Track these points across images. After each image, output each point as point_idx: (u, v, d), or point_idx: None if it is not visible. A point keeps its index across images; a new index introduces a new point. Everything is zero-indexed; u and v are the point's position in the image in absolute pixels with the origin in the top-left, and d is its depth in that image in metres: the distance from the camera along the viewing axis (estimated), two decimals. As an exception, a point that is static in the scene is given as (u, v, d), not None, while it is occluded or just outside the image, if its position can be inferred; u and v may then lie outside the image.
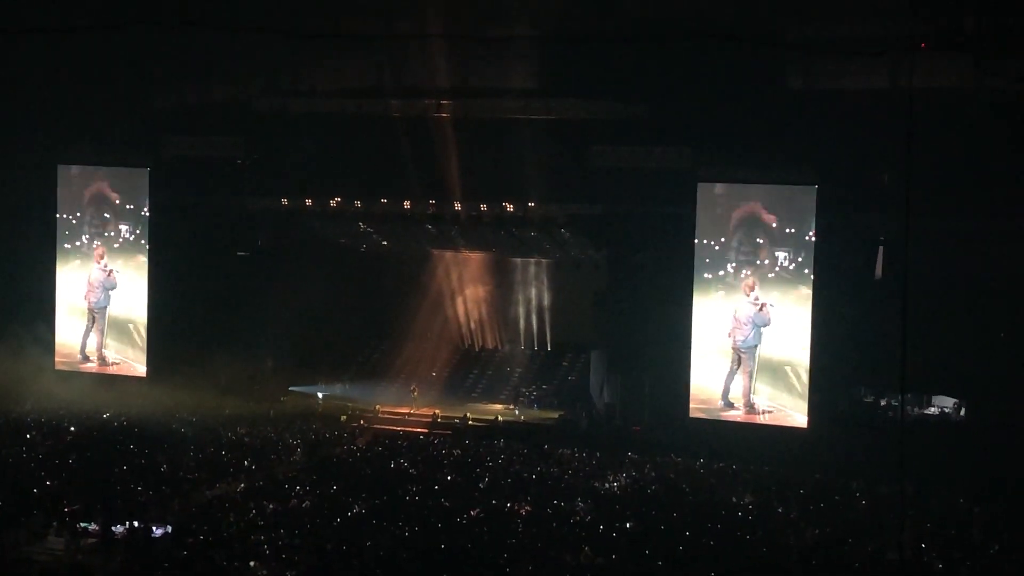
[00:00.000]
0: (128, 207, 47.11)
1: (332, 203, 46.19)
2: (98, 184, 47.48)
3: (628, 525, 29.60)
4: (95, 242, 47.31)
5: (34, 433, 38.42)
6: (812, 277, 39.07)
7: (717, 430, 39.83)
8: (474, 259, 51.55)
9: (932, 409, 41.62)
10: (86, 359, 47.62)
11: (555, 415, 45.51)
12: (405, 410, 45.41)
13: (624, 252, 43.97)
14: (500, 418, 44.91)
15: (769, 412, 39.53)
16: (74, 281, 47.74)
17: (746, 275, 39.81)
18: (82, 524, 28.42)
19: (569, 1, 43.92)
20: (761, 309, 39.45)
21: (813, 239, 39.09)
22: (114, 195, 47.27)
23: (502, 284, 51.91)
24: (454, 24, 43.57)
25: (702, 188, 40.46)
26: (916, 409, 41.43)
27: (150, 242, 46.73)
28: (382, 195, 45.61)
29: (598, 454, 38.63)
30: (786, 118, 39.78)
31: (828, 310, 39.10)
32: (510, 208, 44.11)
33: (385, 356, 52.46)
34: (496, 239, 47.82)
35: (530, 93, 44.43)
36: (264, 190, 46.80)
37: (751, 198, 39.84)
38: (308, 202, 46.46)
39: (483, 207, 44.46)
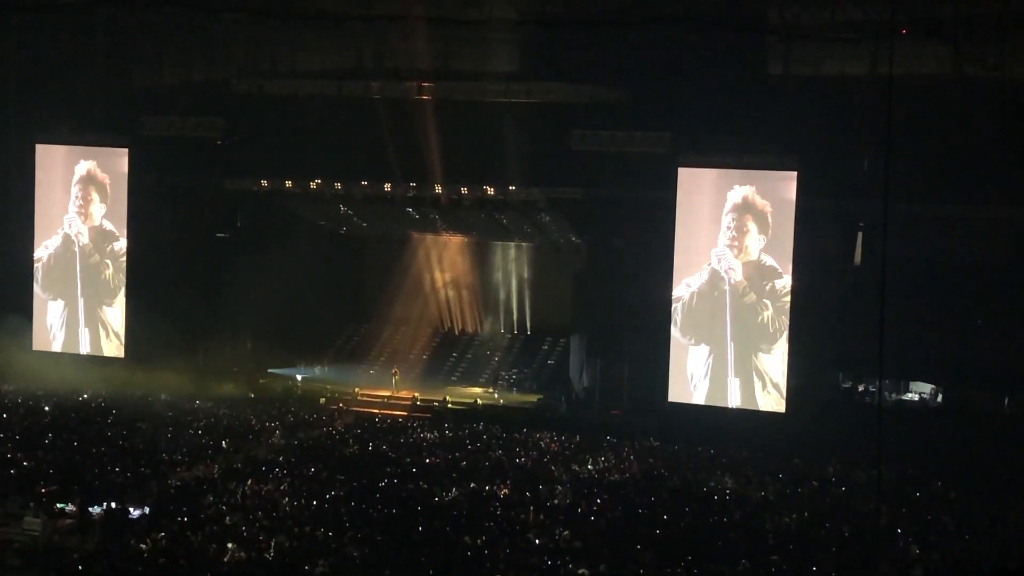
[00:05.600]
0: (107, 187, 46.87)
1: (312, 185, 46.03)
2: (77, 164, 47.19)
3: (606, 508, 29.68)
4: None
5: (10, 414, 38.25)
6: (791, 262, 39.12)
7: (695, 415, 39.89)
8: (454, 242, 51.52)
9: (910, 395, 41.77)
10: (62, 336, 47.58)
11: (534, 399, 45.57)
12: (384, 393, 45.37)
13: (604, 236, 44.02)
14: (479, 401, 44.92)
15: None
16: (52, 261, 47.61)
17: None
18: (59, 505, 28.39)
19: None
20: None
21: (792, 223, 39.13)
22: (93, 175, 47.00)
23: (482, 267, 51.87)
24: (435, 6, 43.53)
25: (687, 172, 40.45)
26: (894, 395, 41.56)
27: (129, 222, 46.49)
28: (362, 177, 45.48)
29: (577, 438, 38.67)
30: (767, 104, 39.87)
31: (807, 295, 39.18)
32: (490, 191, 44.05)
33: (364, 339, 52.46)
34: (476, 222, 47.80)
35: (511, 76, 44.38)
36: (244, 171, 46.59)
37: (742, 183, 39.71)
38: (288, 183, 46.27)
39: (463, 190, 44.37)
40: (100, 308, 47.12)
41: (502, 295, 51.82)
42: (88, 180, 46.99)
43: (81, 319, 47.36)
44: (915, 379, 41.49)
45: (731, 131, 39.78)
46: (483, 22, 43.70)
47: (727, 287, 39.72)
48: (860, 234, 40.54)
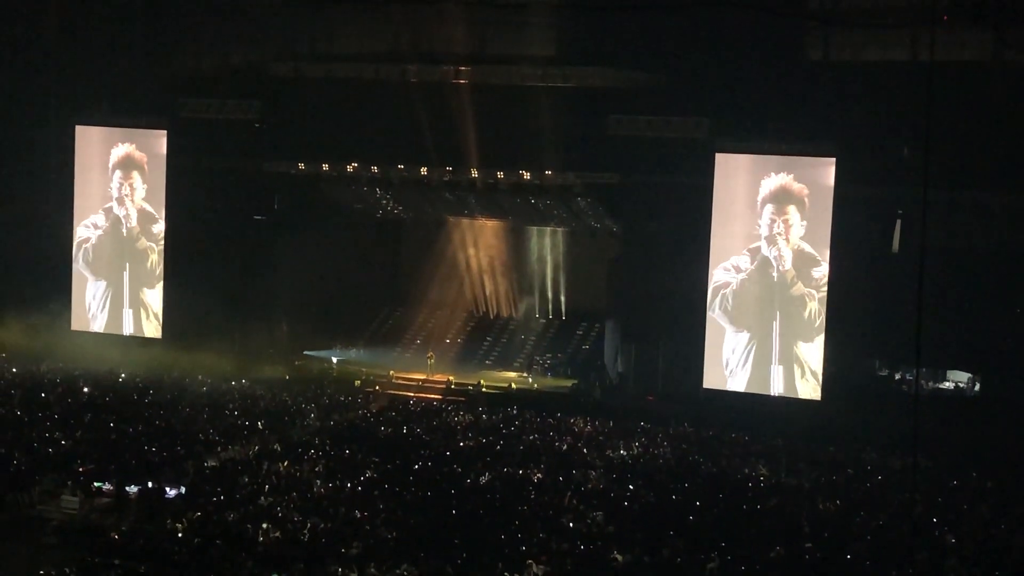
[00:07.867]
0: (145, 168, 47.19)
1: (349, 168, 46.22)
2: (117, 146, 47.52)
3: (640, 494, 29.66)
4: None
5: (49, 393, 38.61)
6: (828, 249, 38.94)
7: (730, 401, 39.81)
8: (490, 226, 51.48)
9: (947, 383, 41.52)
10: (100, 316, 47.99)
11: (568, 383, 45.56)
12: (419, 376, 45.49)
13: (640, 221, 43.83)
14: (514, 385, 44.96)
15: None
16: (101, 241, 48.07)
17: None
18: (96, 484, 28.65)
19: (588, -31, 43.69)
20: None
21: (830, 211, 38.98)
22: (132, 156, 47.33)
23: (518, 252, 51.83)
24: (473, -10, 43.43)
25: (723, 158, 40.31)
26: (931, 383, 41.34)
27: (167, 204, 46.80)
28: (399, 161, 45.59)
29: (611, 423, 38.67)
30: (806, 89, 39.59)
31: (844, 282, 38.98)
32: (526, 176, 44.07)
33: (399, 322, 52.58)
34: (512, 207, 47.76)
35: (548, 61, 44.24)
36: (281, 154, 46.81)
37: (781, 169, 39.58)
38: (325, 167, 46.48)
39: (499, 175, 44.42)
40: (142, 290, 47.45)
41: (537, 280, 51.77)
42: (128, 163, 47.34)
43: (126, 300, 47.71)
44: (952, 368, 41.24)
45: (769, 117, 39.56)
46: (520, 6, 43.58)
47: (775, 274, 39.62)
48: (899, 222, 40.24)
